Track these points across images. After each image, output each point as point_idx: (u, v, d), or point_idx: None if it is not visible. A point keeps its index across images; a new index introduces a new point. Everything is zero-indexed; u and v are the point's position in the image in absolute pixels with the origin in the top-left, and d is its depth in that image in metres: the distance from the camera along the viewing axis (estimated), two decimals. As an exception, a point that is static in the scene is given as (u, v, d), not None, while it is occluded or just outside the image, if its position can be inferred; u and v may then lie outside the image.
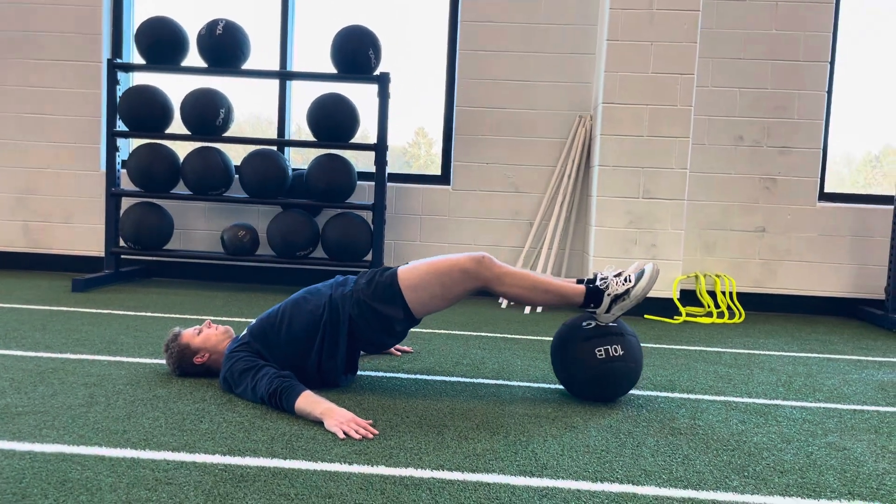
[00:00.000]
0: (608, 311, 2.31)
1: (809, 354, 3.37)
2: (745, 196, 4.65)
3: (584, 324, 2.38)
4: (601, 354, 2.29)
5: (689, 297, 4.57)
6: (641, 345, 3.31)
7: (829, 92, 4.63)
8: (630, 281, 2.29)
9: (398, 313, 2.29)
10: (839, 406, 2.48)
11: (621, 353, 2.31)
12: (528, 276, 2.32)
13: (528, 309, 4.26)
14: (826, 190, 4.74)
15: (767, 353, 3.36)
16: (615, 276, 2.32)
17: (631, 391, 2.52)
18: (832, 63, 4.63)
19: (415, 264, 2.33)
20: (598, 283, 2.31)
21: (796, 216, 4.65)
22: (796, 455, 1.96)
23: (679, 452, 1.94)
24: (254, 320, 2.46)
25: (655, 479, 1.74)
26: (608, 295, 2.29)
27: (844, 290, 4.67)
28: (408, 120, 5.08)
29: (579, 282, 2.36)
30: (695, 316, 4.31)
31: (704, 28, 4.48)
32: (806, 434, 2.15)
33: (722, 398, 2.51)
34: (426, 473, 1.71)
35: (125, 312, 3.58)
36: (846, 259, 4.66)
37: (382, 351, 2.78)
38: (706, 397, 2.51)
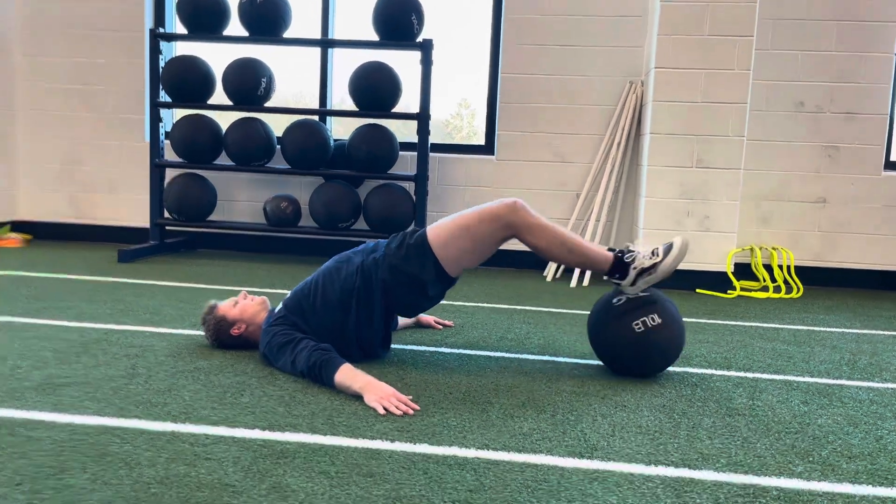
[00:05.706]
0: (633, 283, 2.26)
1: (874, 332, 3.19)
2: (805, 165, 4.43)
3: (615, 300, 2.31)
4: (640, 327, 2.22)
5: (743, 270, 4.39)
6: (693, 320, 3.21)
7: (899, 54, 4.35)
8: (658, 255, 2.24)
9: (430, 274, 2.24)
10: (909, 387, 2.33)
11: (659, 321, 2.22)
12: (559, 231, 2.25)
13: (574, 282, 4.15)
14: (893, 158, 4.48)
15: (828, 329, 3.20)
16: (646, 251, 2.28)
17: (684, 368, 2.42)
18: (902, 23, 4.35)
19: (443, 221, 2.28)
20: (625, 257, 2.26)
21: (860, 186, 4.41)
22: (865, 439, 1.84)
23: (738, 435, 1.83)
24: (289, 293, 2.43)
25: (713, 464, 1.64)
26: (634, 269, 2.24)
27: (910, 264, 4.44)
28: (450, 92, 4.97)
29: (610, 250, 2.30)
30: (750, 290, 4.14)
31: (764, -13, 4.25)
32: (874, 416, 2.02)
33: (781, 377, 2.38)
34: (471, 453, 1.64)
35: (169, 283, 3.58)
36: (913, 231, 4.42)
37: (419, 313, 2.72)
38: (764, 376, 2.39)
